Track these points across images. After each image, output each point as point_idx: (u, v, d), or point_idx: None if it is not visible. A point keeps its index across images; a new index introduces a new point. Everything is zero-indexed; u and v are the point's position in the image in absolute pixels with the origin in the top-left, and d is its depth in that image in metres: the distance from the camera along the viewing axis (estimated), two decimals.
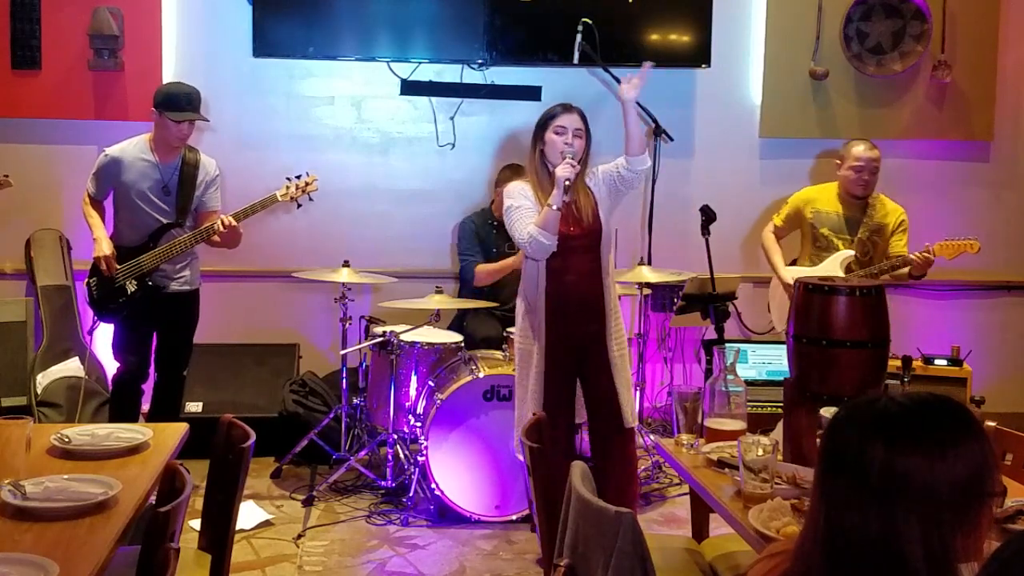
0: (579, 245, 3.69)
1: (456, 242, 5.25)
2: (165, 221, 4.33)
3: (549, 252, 3.62)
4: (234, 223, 4.28)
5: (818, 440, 2.69)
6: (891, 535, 1.30)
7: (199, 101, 4.35)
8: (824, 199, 4.78)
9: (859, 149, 4.70)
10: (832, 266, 4.58)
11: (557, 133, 3.66)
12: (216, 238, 4.33)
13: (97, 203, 4.42)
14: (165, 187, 4.32)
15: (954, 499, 1.30)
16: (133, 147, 4.37)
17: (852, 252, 4.64)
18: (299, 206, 4.58)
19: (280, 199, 4.44)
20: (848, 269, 4.60)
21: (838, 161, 4.79)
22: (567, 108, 3.71)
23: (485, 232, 5.09)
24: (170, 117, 4.25)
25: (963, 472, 1.31)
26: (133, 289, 4.30)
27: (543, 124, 3.72)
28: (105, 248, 4.27)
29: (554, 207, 3.54)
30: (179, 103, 4.27)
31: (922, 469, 1.30)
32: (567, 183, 3.52)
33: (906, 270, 4.62)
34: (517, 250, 5.04)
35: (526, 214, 3.64)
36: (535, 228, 3.58)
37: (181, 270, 4.41)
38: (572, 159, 3.57)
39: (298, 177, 4.51)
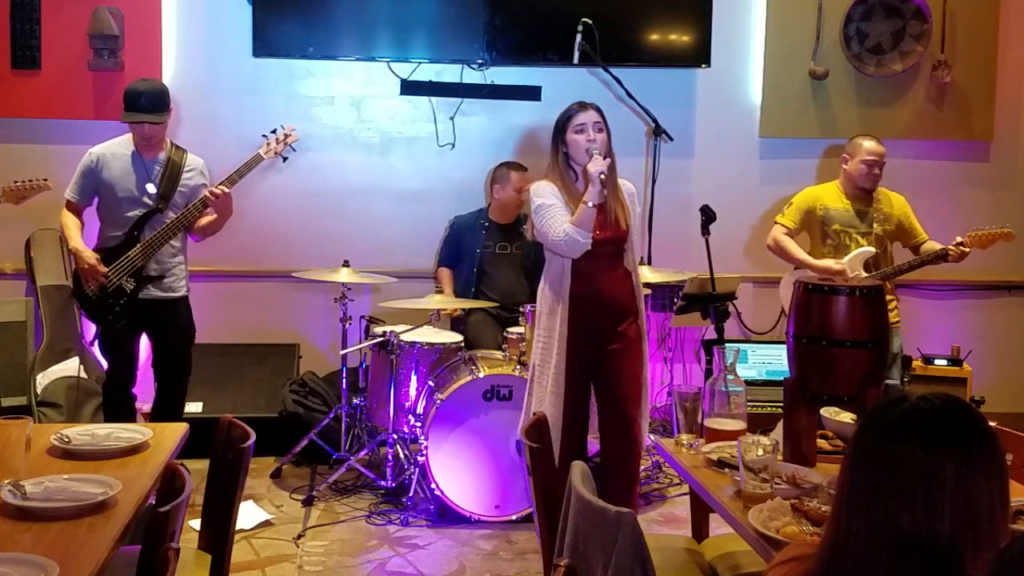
0: (607, 251, 3.65)
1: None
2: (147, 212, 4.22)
3: (583, 250, 3.58)
4: (227, 190, 4.19)
5: (819, 441, 2.72)
6: (941, 530, 1.31)
7: (156, 101, 4.17)
8: (830, 196, 4.78)
9: (870, 144, 4.71)
10: (854, 263, 4.60)
11: (578, 132, 3.63)
12: (206, 214, 4.24)
13: (77, 210, 4.28)
14: (150, 181, 4.22)
15: (998, 493, 1.35)
16: (116, 144, 4.30)
17: (872, 249, 4.64)
18: (284, 159, 4.52)
19: (264, 156, 4.38)
20: (867, 267, 4.61)
21: (846, 156, 4.77)
22: (582, 106, 3.69)
23: (474, 231, 5.07)
24: (123, 116, 4.20)
25: (1003, 468, 1.36)
26: (132, 287, 4.18)
27: (561, 127, 3.69)
28: (88, 258, 4.13)
29: (590, 204, 3.50)
30: (129, 103, 4.18)
31: (966, 464, 1.33)
32: (602, 176, 3.49)
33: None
34: (509, 249, 5.04)
35: (559, 212, 3.59)
36: (571, 226, 3.54)
37: (166, 274, 4.25)
38: (599, 153, 3.55)
39: (273, 132, 4.45)
